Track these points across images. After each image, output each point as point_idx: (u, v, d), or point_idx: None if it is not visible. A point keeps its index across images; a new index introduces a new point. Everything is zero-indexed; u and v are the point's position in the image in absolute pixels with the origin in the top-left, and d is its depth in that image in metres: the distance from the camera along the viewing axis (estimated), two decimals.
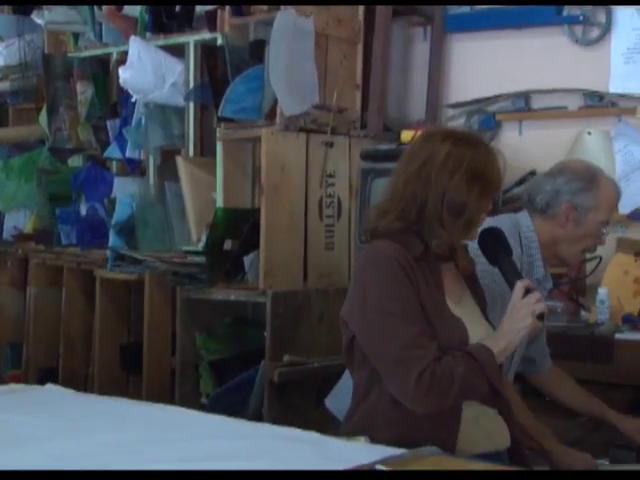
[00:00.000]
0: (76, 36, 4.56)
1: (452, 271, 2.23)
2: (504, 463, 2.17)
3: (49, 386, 2.76)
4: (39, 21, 4.56)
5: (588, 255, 3.02)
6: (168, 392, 3.89)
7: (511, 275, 2.23)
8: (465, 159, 2.11)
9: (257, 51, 3.69)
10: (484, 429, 2.18)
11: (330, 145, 3.80)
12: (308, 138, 3.73)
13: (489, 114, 3.96)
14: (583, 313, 3.46)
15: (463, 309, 2.20)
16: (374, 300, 2.10)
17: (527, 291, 2.14)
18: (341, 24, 3.84)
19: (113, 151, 4.23)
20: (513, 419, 2.27)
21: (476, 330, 2.17)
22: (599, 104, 3.73)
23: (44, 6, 4.52)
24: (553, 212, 2.62)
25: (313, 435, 2.14)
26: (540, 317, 2.11)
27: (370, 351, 2.12)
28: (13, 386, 2.96)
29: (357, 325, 2.14)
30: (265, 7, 3.71)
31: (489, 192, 2.15)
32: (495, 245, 2.30)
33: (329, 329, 3.58)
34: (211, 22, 3.86)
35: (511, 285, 2.20)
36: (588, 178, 2.65)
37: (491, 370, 2.08)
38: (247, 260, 3.64)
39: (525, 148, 3.83)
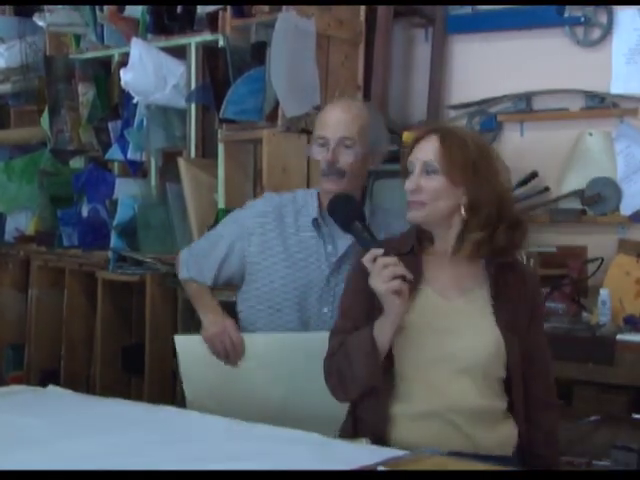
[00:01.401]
0: (78, 38, 4.56)
1: (457, 264, 2.25)
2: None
3: (50, 388, 2.76)
4: (40, 23, 4.55)
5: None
6: (170, 393, 3.89)
7: (362, 241, 2.26)
8: None
9: (258, 52, 3.69)
10: (428, 428, 2.20)
11: None
12: (309, 139, 3.72)
13: (491, 115, 3.95)
14: (584, 314, 3.46)
15: (455, 308, 2.24)
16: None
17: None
18: (342, 25, 3.84)
19: (115, 153, 4.23)
20: (521, 420, 2.27)
21: (462, 337, 2.20)
22: (600, 105, 3.72)
23: (46, 8, 4.51)
24: None
25: (314, 436, 2.14)
26: (403, 279, 2.10)
27: None
28: (15, 387, 2.96)
29: None
30: (266, 8, 3.71)
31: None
32: (344, 211, 2.38)
33: None
34: (212, 23, 3.85)
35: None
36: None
37: (360, 355, 2.18)
38: None
39: (526, 149, 3.83)
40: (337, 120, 2.73)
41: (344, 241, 2.71)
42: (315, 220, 2.76)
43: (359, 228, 2.26)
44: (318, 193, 2.81)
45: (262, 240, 2.79)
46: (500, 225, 2.20)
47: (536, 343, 2.30)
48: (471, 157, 2.21)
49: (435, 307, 2.24)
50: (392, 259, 2.12)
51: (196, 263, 2.90)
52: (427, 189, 2.21)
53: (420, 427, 2.20)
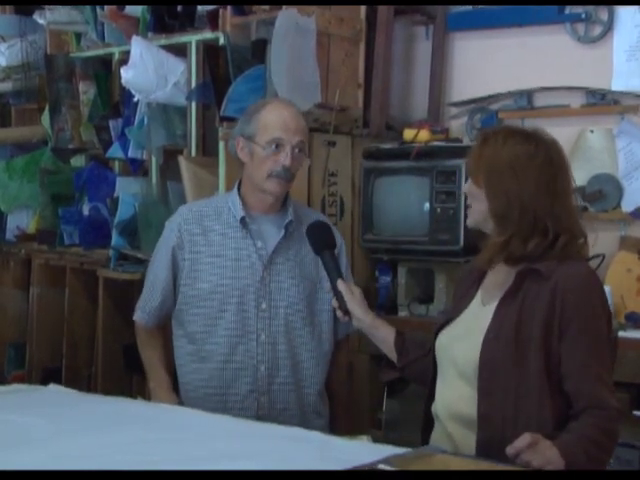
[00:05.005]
0: (78, 36, 4.55)
1: (500, 271, 2.23)
2: None
3: (52, 386, 2.76)
4: (41, 21, 4.55)
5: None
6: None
7: (329, 269, 2.56)
8: None
9: (259, 50, 3.68)
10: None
11: (332, 144, 3.79)
12: (310, 137, 3.71)
13: (491, 112, 3.95)
14: None
15: (477, 312, 2.25)
16: None
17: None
18: (343, 23, 3.84)
19: (115, 151, 4.22)
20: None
21: (463, 342, 2.21)
22: (601, 102, 3.72)
23: (46, 6, 4.51)
24: (235, 152, 2.83)
25: (316, 435, 2.14)
26: (345, 312, 2.48)
27: None
28: (16, 386, 2.97)
29: None
30: (267, 6, 3.70)
31: None
32: (319, 237, 2.63)
33: None
34: (213, 21, 3.85)
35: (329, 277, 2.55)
36: (253, 108, 2.85)
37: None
38: None
39: None
40: (295, 124, 2.76)
41: (274, 238, 2.80)
42: (243, 218, 2.80)
43: (328, 257, 2.57)
44: (239, 193, 2.85)
45: (192, 245, 2.82)
46: (520, 233, 2.15)
47: (566, 361, 2.10)
48: (489, 162, 2.19)
49: (469, 311, 2.27)
50: (339, 292, 2.48)
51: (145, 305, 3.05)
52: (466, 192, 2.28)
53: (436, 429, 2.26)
